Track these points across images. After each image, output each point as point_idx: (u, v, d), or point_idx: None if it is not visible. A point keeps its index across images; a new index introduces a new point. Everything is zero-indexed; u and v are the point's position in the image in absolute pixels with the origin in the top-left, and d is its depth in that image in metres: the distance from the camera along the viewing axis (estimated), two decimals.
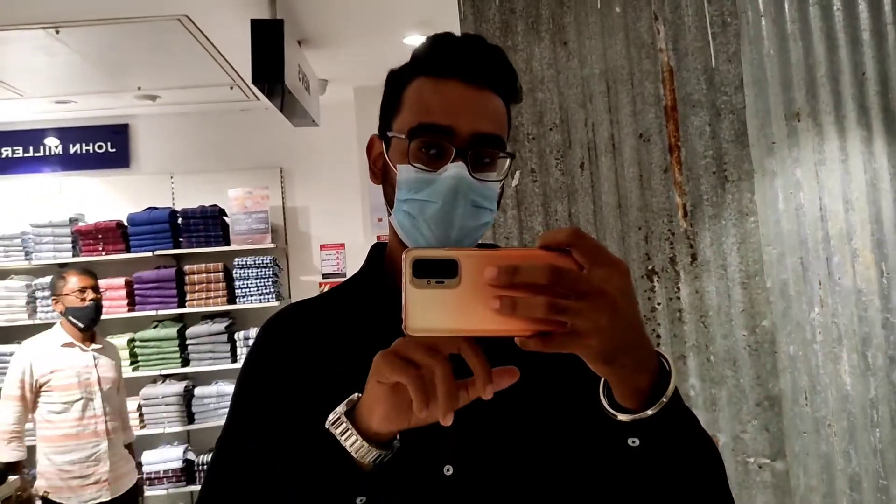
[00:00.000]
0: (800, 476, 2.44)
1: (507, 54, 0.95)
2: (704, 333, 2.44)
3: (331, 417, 0.73)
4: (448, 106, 0.87)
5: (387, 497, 0.77)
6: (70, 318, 3.14)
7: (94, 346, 3.21)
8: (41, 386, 3.06)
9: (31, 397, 3.06)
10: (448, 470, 0.84)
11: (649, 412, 0.63)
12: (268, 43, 2.67)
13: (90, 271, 3.30)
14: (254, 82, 2.79)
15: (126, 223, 4.37)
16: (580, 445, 0.83)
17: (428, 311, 0.56)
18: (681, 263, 2.44)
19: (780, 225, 2.48)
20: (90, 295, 3.16)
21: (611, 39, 2.47)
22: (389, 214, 0.93)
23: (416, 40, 3.74)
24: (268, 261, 4.33)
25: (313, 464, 0.76)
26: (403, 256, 0.56)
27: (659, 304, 2.44)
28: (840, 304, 2.46)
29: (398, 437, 0.73)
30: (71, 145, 4.66)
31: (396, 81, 0.94)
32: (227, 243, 4.41)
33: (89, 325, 3.18)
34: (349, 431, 0.71)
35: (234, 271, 4.37)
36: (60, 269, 4.35)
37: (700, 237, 2.44)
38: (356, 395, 0.73)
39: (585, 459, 0.82)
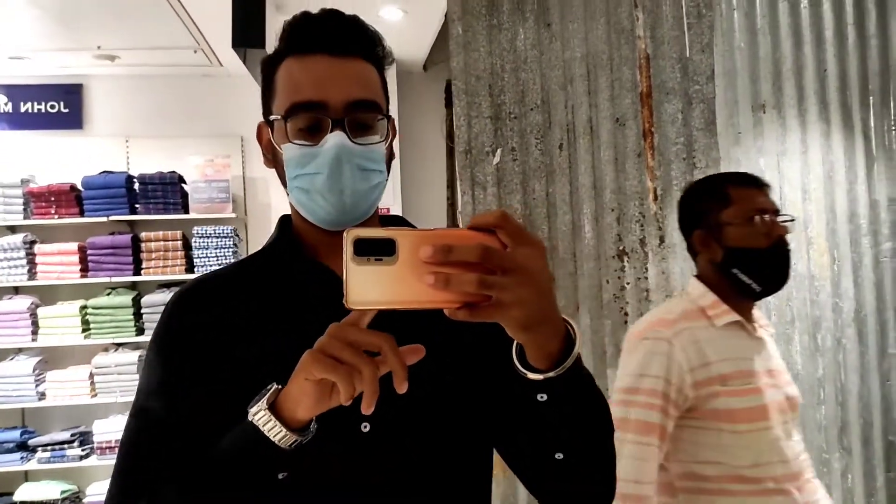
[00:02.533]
0: None
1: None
2: None
3: (254, 410, 0.79)
4: (316, 80, 0.91)
5: (306, 465, 0.82)
6: None
7: None
8: None
9: None
10: (365, 427, 0.89)
11: (559, 371, 0.72)
12: (250, 7, 2.62)
13: None
14: (234, 47, 2.75)
15: (80, 186, 4.24)
16: (493, 400, 0.91)
17: (367, 287, 0.62)
18: (650, 245, 2.54)
19: None
20: None
21: (592, 23, 2.53)
22: (287, 194, 0.98)
23: (392, 13, 3.73)
24: (228, 230, 4.28)
25: (233, 446, 0.83)
26: (345, 235, 0.61)
27: (628, 283, 2.54)
28: (794, 289, 2.60)
29: (314, 419, 0.79)
30: (21, 103, 4.49)
31: (268, 67, 0.97)
32: (187, 211, 4.33)
33: None
34: (272, 422, 0.77)
35: (192, 240, 4.31)
36: (10, 231, 4.22)
37: (669, 220, 2.54)
38: (275, 385, 0.80)
39: (499, 413, 0.91)
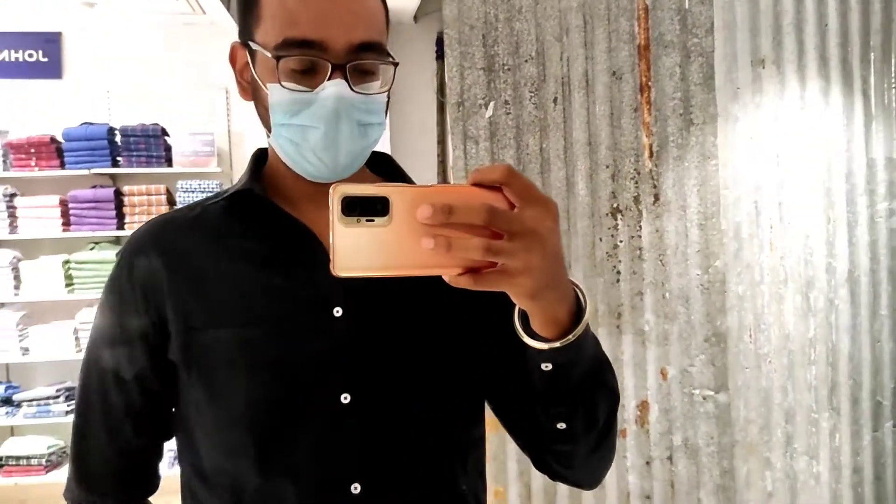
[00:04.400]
0: (740, 408, 2.58)
1: None
2: (662, 271, 2.52)
3: None
4: (317, 15, 0.78)
5: (286, 432, 0.79)
6: None
7: None
8: None
9: None
10: (346, 398, 0.82)
11: (566, 341, 0.65)
12: None
13: None
14: None
15: (61, 138, 4.13)
16: (490, 367, 0.86)
17: (357, 251, 0.54)
18: (644, 203, 2.50)
19: (738, 169, 2.55)
20: None
21: None
22: (268, 136, 0.86)
23: None
24: (213, 185, 4.19)
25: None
26: (331, 192, 0.53)
27: (621, 241, 2.50)
28: (788, 248, 2.57)
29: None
30: None
31: None
32: (170, 164, 4.23)
33: None
34: None
35: (177, 194, 4.22)
36: None
37: (664, 178, 2.49)
38: None
39: (497, 380, 0.85)
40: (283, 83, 0.79)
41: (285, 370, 0.82)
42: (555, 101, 2.45)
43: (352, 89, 0.79)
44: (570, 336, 0.65)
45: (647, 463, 2.56)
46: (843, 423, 2.62)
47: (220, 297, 0.84)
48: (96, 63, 4.48)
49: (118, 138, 4.18)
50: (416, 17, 4.71)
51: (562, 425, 0.75)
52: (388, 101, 0.87)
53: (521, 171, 2.45)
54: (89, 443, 0.92)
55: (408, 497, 0.85)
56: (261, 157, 0.94)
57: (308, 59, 0.78)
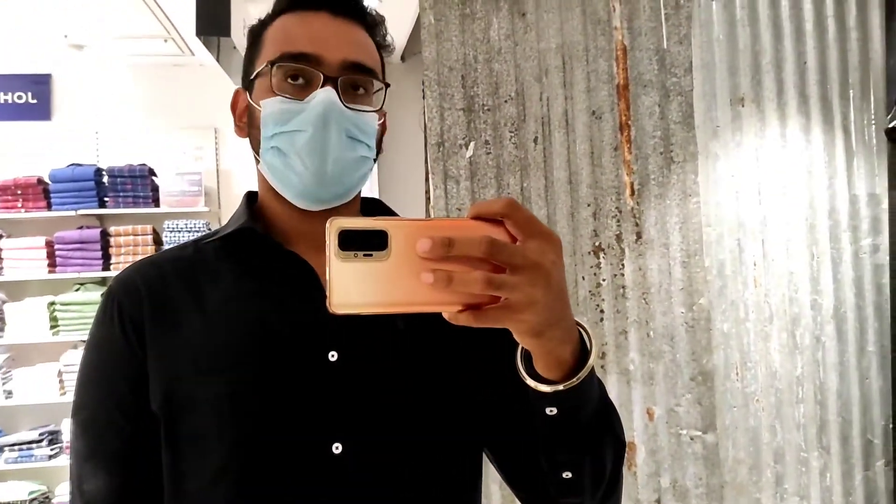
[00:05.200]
0: (728, 448, 2.54)
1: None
2: (646, 309, 2.50)
3: None
4: (314, 34, 0.83)
5: (275, 482, 0.76)
6: None
7: None
8: None
9: None
10: (337, 448, 0.79)
11: (571, 383, 0.63)
12: None
13: None
14: (198, 35, 2.66)
15: (48, 179, 4.13)
16: (489, 412, 0.82)
17: (354, 286, 0.52)
18: (626, 241, 2.49)
19: (720, 207, 2.55)
20: None
21: (568, 14, 2.46)
22: (258, 163, 0.87)
23: (369, 1, 3.64)
24: (200, 224, 4.18)
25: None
26: (328, 226, 0.52)
27: (604, 280, 2.48)
28: (772, 285, 2.56)
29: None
30: None
31: (259, 27, 0.89)
32: (157, 205, 4.23)
33: None
34: None
35: (163, 234, 4.21)
36: None
37: (646, 216, 2.48)
38: None
39: (496, 426, 0.82)
40: (276, 92, 0.82)
41: (274, 418, 0.79)
42: (535, 140, 2.45)
43: (342, 102, 0.81)
44: (576, 379, 0.63)
45: None
46: (833, 463, 2.57)
47: (208, 343, 0.82)
48: (85, 104, 4.51)
49: (105, 179, 4.19)
50: (403, 57, 4.75)
51: (567, 474, 0.72)
52: (382, 134, 0.89)
53: None
54: (90, 486, 0.88)
55: None
56: (251, 198, 0.93)
57: (302, 68, 0.82)
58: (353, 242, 0.52)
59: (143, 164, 4.22)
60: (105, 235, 4.15)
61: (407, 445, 0.81)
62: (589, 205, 2.47)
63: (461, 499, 0.87)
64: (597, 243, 2.48)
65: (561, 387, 0.63)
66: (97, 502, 0.87)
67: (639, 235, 2.48)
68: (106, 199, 4.17)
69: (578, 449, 0.70)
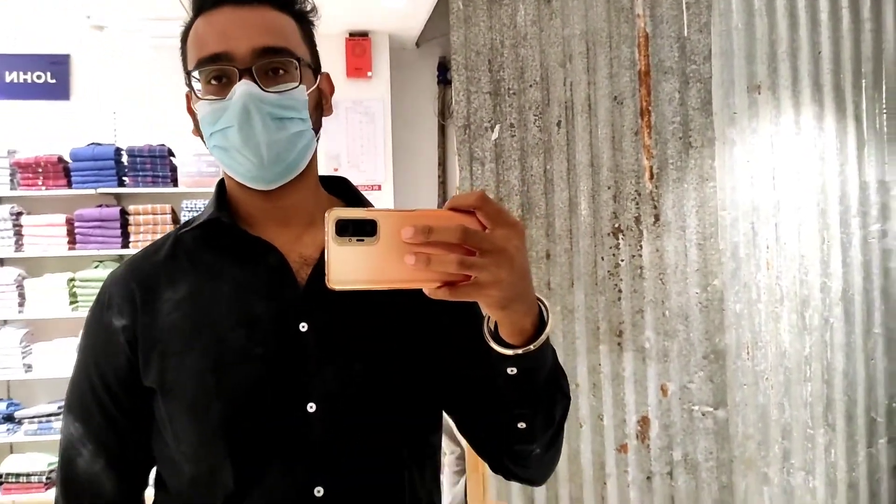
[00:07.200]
0: (738, 424, 2.64)
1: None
2: (662, 290, 2.59)
3: None
4: (219, 32, 0.88)
5: (258, 440, 0.87)
6: None
7: None
8: None
9: None
10: (311, 407, 0.90)
11: (530, 348, 0.74)
12: None
13: None
14: None
15: (68, 158, 4.19)
16: (455, 372, 0.94)
17: (349, 266, 0.62)
18: (644, 223, 2.57)
19: (735, 191, 2.63)
20: None
21: (592, 1, 2.53)
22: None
23: None
24: None
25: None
26: (326, 216, 0.62)
27: (622, 260, 2.57)
28: (784, 268, 2.65)
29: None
30: (7, 73, 4.41)
31: (183, 38, 0.95)
32: (176, 185, 4.29)
33: None
34: None
35: (181, 214, 4.28)
36: None
37: (664, 199, 2.57)
38: None
39: (461, 385, 0.93)
40: (204, 96, 0.89)
41: (254, 385, 0.90)
42: (558, 124, 2.53)
43: (261, 88, 0.87)
44: (533, 345, 0.73)
45: (648, 478, 2.61)
46: (838, 439, 2.67)
47: (191, 323, 0.92)
48: (104, 85, 4.55)
49: (125, 158, 4.24)
50: (418, 43, 4.81)
51: (522, 425, 0.83)
52: (317, 103, 0.95)
53: (526, 191, 2.52)
54: (76, 461, 0.97)
55: (369, 502, 0.92)
56: (221, 186, 1.02)
57: (217, 69, 0.88)
58: (348, 229, 0.62)
59: (163, 145, 4.28)
60: (124, 214, 4.22)
61: (374, 403, 0.92)
62: (609, 187, 2.55)
63: (422, 454, 0.99)
64: (616, 225, 2.56)
65: (520, 351, 0.74)
66: (83, 476, 0.97)
67: (657, 218, 2.56)
68: (125, 178, 4.23)
69: (533, 403, 0.82)
